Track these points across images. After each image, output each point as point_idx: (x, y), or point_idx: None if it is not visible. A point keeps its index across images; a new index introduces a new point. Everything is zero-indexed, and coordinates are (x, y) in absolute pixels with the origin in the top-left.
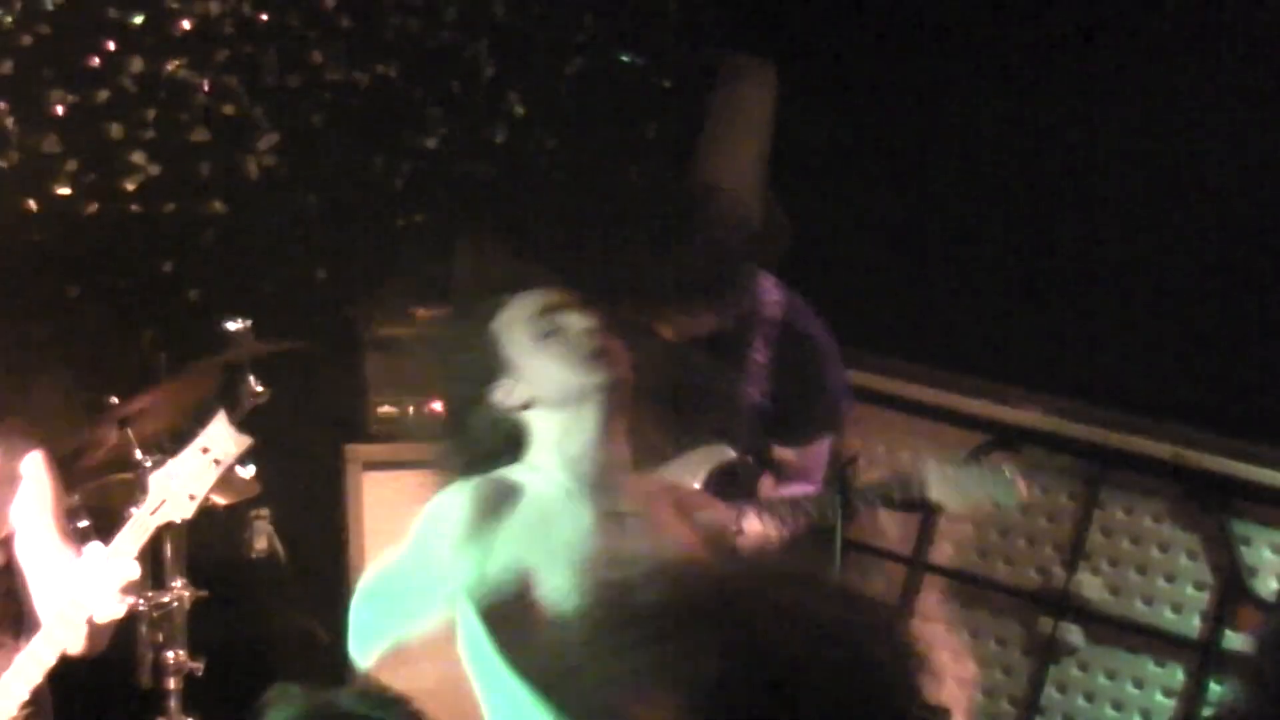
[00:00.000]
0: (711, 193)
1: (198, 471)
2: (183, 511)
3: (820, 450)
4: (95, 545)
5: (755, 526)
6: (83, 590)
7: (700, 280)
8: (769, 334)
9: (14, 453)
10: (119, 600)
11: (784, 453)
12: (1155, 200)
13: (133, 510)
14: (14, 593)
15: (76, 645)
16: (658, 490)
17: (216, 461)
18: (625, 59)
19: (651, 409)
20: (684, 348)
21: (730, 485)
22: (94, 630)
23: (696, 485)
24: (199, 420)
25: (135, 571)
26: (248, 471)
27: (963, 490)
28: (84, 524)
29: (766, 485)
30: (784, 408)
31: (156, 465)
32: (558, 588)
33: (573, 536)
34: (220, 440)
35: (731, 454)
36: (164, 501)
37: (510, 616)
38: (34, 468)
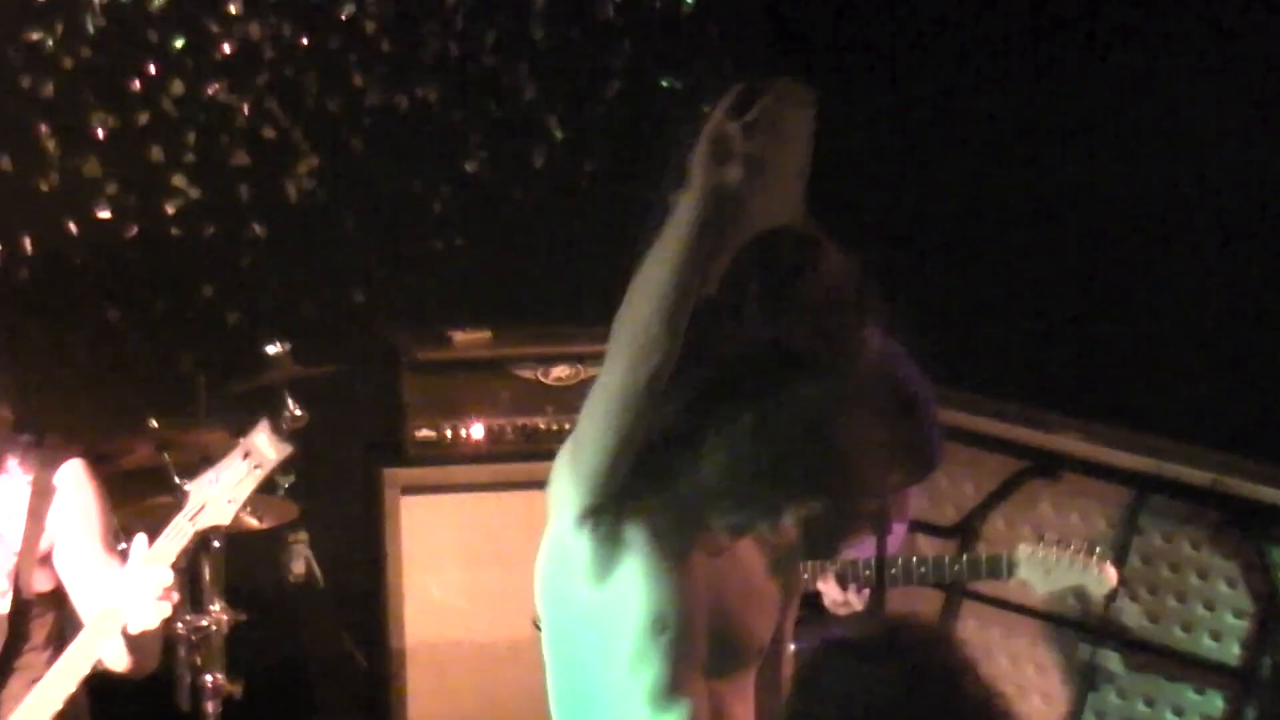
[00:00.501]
0: (819, 247)
1: (238, 477)
2: (222, 517)
3: (906, 498)
4: (136, 546)
5: (834, 593)
6: (118, 596)
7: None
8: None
9: (50, 464)
10: (155, 608)
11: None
12: (1194, 226)
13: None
14: (64, 609)
15: (115, 658)
16: None
17: (257, 467)
18: (665, 83)
19: None
20: None
21: (815, 539)
22: (137, 644)
23: None
24: (241, 429)
25: (170, 577)
26: (287, 479)
27: (1053, 576)
28: (123, 546)
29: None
30: None
31: (197, 473)
32: (661, 617)
33: (674, 565)
34: (262, 446)
35: (819, 506)
36: (203, 506)
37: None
38: (72, 477)
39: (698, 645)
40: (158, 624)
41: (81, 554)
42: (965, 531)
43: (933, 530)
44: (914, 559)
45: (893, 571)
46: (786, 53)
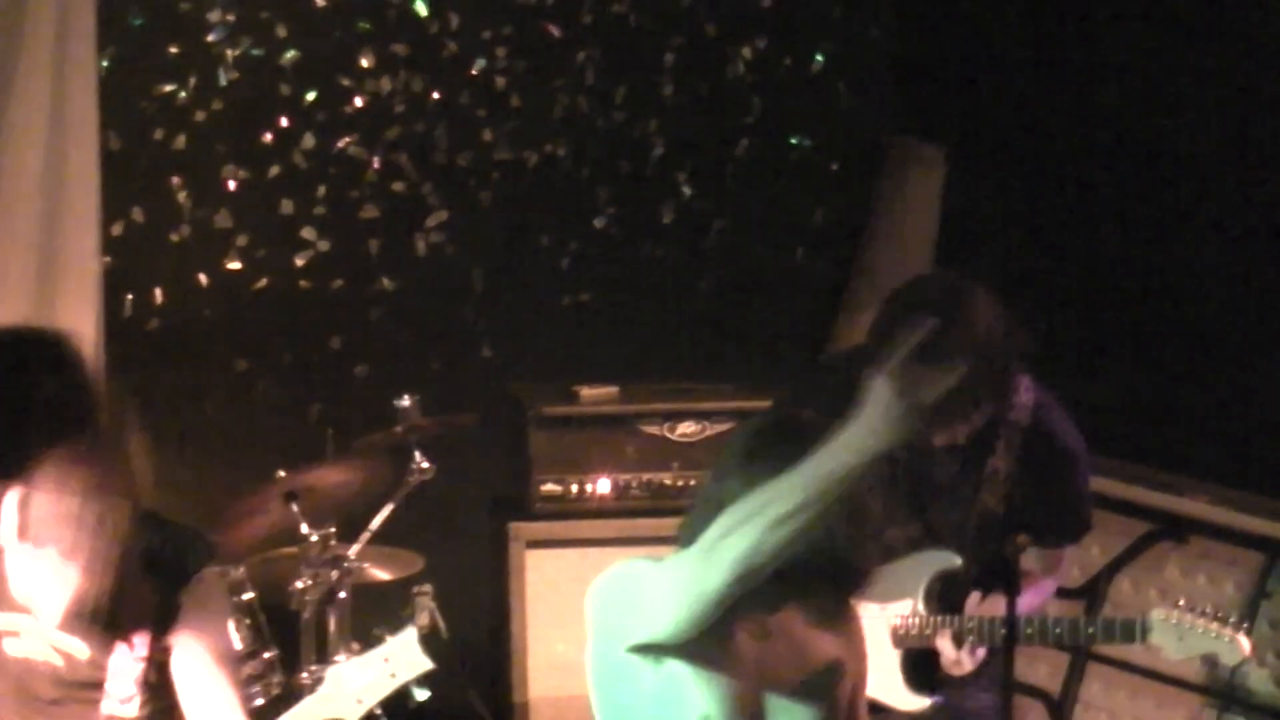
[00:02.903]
0: (976, 290)
1: (373, 681)
2: (348, 714)
3: (1059, 558)
4: None
5: (949, 650)
6: None
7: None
8: (1013, 439)
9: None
10: None
11: (1025, 561)
12: None
13: (303, 697)
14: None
15: None
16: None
17: (394, 675)
18: (794, 141)
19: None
20: (932, 450)
21: (949, 593)
22: None
23: (920, 590)
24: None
25: None
26: (423, 695)
27: (1185, 641)
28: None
29: (971, 601)
30: (1028, 514)
31: (328, 660)
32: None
33: (717, 647)
34: (404, 656)
35: (958, 561)
36: (333, 698)
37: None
38: (199, 592)
39: None
40: None
41: (194, 668)
42: (1091, 594)
43: (1059, 592)
44: (1049, 619)
45: (1028, 631)
46: (914, 111)
